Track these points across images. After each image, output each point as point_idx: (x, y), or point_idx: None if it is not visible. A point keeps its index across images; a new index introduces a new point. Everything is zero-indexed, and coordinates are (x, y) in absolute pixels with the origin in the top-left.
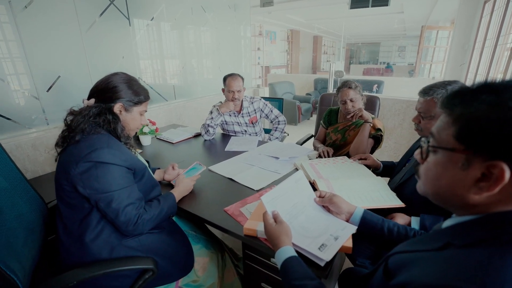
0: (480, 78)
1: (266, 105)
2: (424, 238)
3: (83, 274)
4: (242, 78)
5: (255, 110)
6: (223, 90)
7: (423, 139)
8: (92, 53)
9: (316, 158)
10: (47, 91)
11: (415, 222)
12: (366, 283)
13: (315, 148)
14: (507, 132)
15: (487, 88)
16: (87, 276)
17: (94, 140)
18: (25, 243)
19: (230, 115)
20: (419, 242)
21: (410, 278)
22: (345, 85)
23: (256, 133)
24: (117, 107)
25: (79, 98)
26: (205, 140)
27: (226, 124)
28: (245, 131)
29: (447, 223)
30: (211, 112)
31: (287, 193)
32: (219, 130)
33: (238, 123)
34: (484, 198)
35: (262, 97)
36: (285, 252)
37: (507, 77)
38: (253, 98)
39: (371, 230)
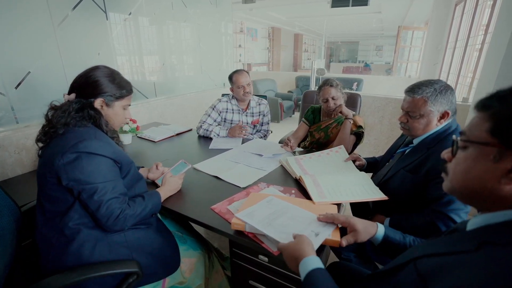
0: (452, 77)
1: (268, 111)
2: (450, 240)
3: (63, 280)
4: (248, 72)
5: (259, 112)
6: (231, 89)
7: (453, 136)
8: (67, 49)
9: (282, 147)
10: (16, 87)
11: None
12: (374, 284)
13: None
14: None
15: None
16: (67, 283)
17: (81, 132)
18: None
19: (233, 112)
20: (447, 244)
21: (457, 284)
22: (326, 83)
23: (252, 134)
24: (98, 103)
25: (53, 95)
26: (198, 136)
27: (231, 123)
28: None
29: (474, 223)
30: (218, 125)
31: (261, 209)
32: None
33: (240, 121)
34: None
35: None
36: (308, 263)
37: (476, 76)
38: (261, 100)
39: (393, 248)
